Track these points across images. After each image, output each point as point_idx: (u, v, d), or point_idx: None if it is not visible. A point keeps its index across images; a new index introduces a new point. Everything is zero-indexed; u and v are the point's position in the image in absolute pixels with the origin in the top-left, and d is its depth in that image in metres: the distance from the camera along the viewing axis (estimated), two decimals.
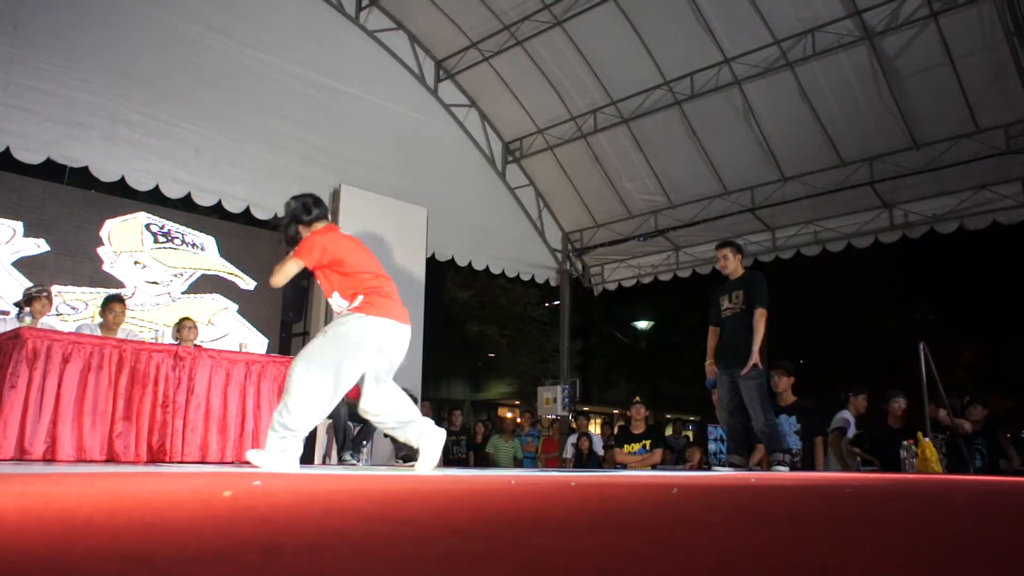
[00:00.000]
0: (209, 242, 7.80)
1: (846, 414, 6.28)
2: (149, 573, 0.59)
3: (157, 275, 7.40)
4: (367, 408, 3.47)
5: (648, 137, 8.88)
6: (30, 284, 6.06)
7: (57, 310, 6.44)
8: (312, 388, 3.30)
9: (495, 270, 9.87)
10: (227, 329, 7.70)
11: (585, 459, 8.30)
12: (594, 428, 12.52)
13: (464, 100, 9.53)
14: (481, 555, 0.74)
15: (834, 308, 19.21)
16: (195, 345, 5.77)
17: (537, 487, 2.05)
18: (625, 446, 7.14)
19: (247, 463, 3.42)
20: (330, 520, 1.07)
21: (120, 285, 7.05)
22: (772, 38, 7.38)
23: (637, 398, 7.56)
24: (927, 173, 7.44)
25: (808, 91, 7.60)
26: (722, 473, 4.72)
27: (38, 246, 6.72)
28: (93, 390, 4.13)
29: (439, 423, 3.70)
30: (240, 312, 7.85)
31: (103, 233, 7.14)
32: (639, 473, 5.14)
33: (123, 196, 7.40)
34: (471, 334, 19.98)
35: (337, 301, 3.49)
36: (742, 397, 5.10)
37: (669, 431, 9.53)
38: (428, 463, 3.47)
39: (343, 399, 3.56)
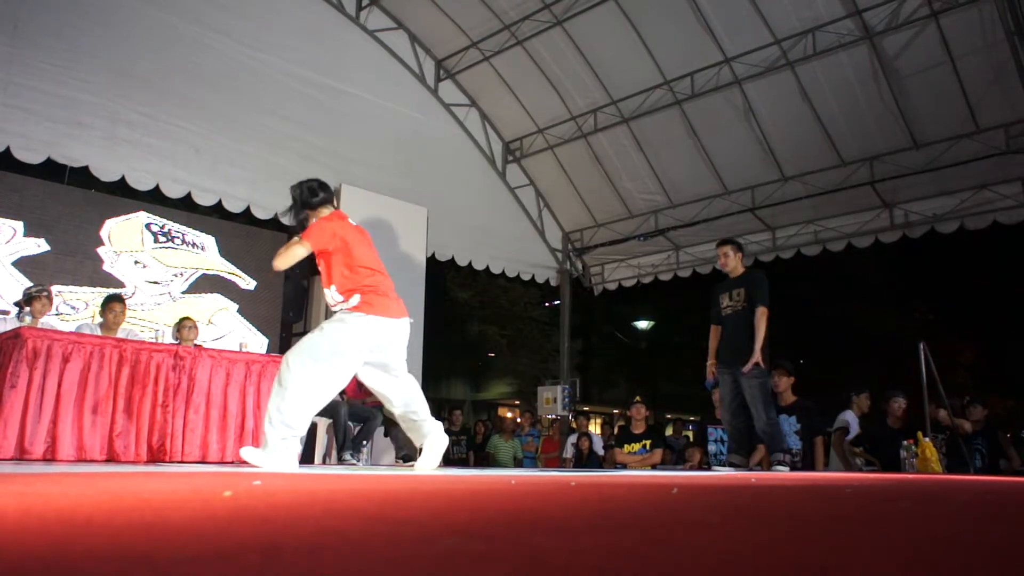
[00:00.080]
0: (209, 242, 7.80)
1: (849, 414, 6.28)
2: (149, 573, 0.59)
3: (157, 275, 7.40)
4: (378, 390, 3.53)
5: (648, 137, 8.88)
6: (30, 284, 6.06)
7: (57, 310, 6.45)
8: (307, 384, 3.30)
9: (495, 270, 9.87)
10: (227, 329, 7.70)
11: (585, 459, 8.30)
12: (594, 428, 12.52)
13: (464, 100, 9.53)
14: (481, 555, 0.74)
15: (834, 308, 19.21)
16: (195, 345, 5.77)
17: (537, 487, 2.05)
18: (625, 446, 7.14)
19: (245, 462, 3.41)
20: (330, 520, 1.07)
21: (120, 285, 7.05)
22: (772, 38, 7.38)
23: (637, 398, 7.56)
24: (927, 173, 7.44)
25: (808, 91, 7.60)
26: (722, 473, 4.72)
27: (38, 246, 6.72)
28: (93, 390, 4.13)
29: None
30: (240, 312, 7.85)
31: (103, 233, 7.14)
32: (639, 473, 5.14)
33: (123, 196, 7.40)
34: (471, 334, 19.98)
35: (333, 295, 3.49)
36: (744, 396, 5.09)
37: (669, 431, 9.53)
38: (428, 464, 3.47)
39: (343, 399, 3.57)
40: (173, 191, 7.08)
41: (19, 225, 6.65)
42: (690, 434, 10.34)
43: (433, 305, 8.68)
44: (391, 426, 5.85)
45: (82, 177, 6.81)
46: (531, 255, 10.18)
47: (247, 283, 7.96)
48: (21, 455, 3.83)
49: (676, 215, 9.25)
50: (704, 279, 9.43)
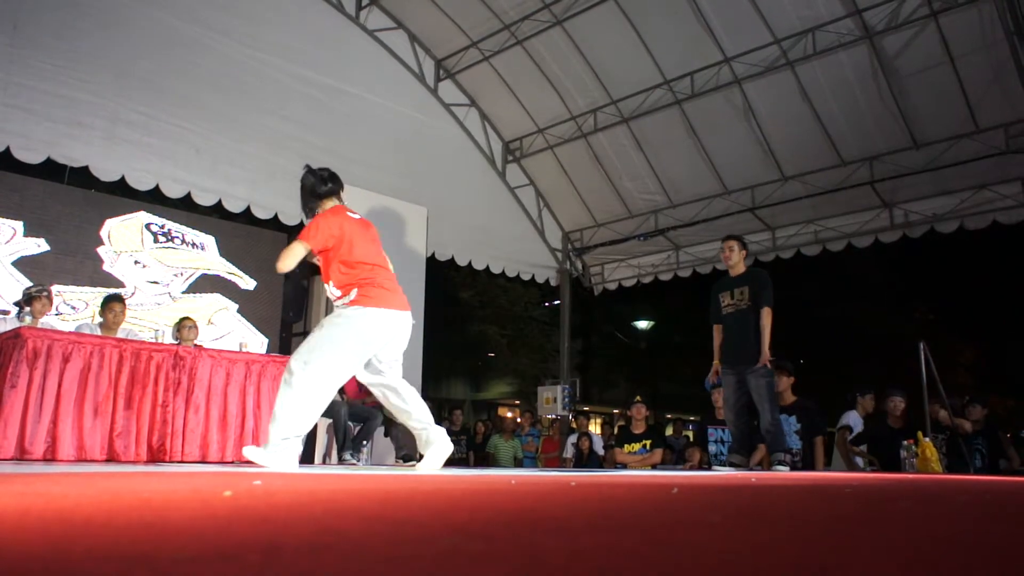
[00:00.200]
0: (209, 242, 7.81)
1: (853, 415, 6.28)
2: (149, 573, 0.59)
3: (157, 275, 7.40)
4: (369, 383, 3.52)
5: (648, 136, 8.88)
6: (30, 284, 6.06)
7: (57, 310, 6.45)
8: (310, 382, 3.31)
9: (495, 270, 9.87)
10: (227, 329, 7.70)
11: (585, 459, 8.29)
12: (594, 428, 12.52)
13: (464, 100, 9.53)
14: (481, 555, 0.74)
15: (834, 308, 19.22)
16: (195, 345, 5.77)
17: (537, 487, 2.05)
18: (625, 446, 7.14)
19: (247, 462, 3.41)
20: (330, 520, 1.07)
21: (120, 285, 7.05)
22: (772, 37, 7.38)
23: (638, 398, 7.54)
24: (927, 173, 7.44)
25: (808, 90, 7.60)
26: (722, 473, 4.72)
27: (38, 246, 6.72)
28: (93, 390, 4.13)
29: (439, 423, 3.70)
30: (240, 312, 7.85)
31: (103, 233, 7.14)
32: (639, 473, 5.14)
33: (123, 196, 7.40)
34: (471, 334, 19.98)
35: (332, 290, 3.50)
36: (748, 396, 5.08)
37: (669, 431, 9.53)
38: (429, 468, 3.46)
39: (343, 399, 3.57)
40: (173, 191, 7.08)
41: (19, 225, 6.65)
42: (690, 434, 10.33)
43: (434, 305, 8.68)
44: (391, 426, 5.85)
45: (82, 177, 6.81)
46: (531, 255, 10.18)
47: (247, 283, 7.96)
48: (21, 455, 3.83)
49: (676, 215, 9.25)
50: (704, 279, 9.42)
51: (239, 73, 7.49)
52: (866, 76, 7.28)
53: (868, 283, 19.58)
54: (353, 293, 3.41)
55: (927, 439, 5.35)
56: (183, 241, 7.63)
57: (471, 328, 19.93)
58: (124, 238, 7.26)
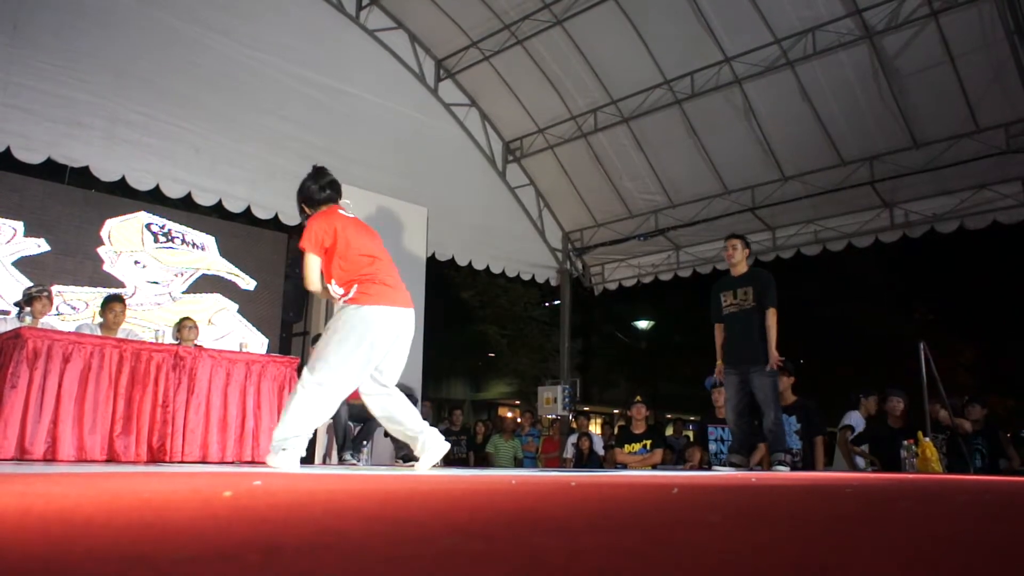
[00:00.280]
0: (209, 242, 7.81)
1: (855, 415, 6.28)
2: (149, 573, 0.59)
3: (157, 275, 7.40)
4: (364, 391, 3.52)
5: (648, 136, 8.88)
6: (30, 284, 6.06)
7: (57, 310, 6.45)
8: (318, 392, 3.36)
9: (495, 270, 9.87)
10: (227, 329, 7.70)
11: (585, 459, 8.29)
12: (594, 428, 12.51)
13: (464, 99, 9.53)
14: (481, 555, 0.74)
15: (834, 308, 19.21)
16: (195, 345, 5.77)
17: (537, 487, 2.05)
18: (625, 446, 7.13)
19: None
20: (330, 520, 1.07)
21: (120, 285, 7.05)
22: (772, 37, 7.38)
23: (638, 397, 7.53)
24: (927, 172, 7.44)
25: (808, 90, 7.60)
26: (722, 473, 4.72)
27: (39, 246, 6.72)
28: (93, 390, 4.13)
29: (439, 423, 3.70)
30: (240, 312, 7.85)
31: (103, 233, 7.14)
32: (639, 473, 5.14)
33: (123, 196, 7.40)
34: (471, 334, 19.98)
35: (334, 289, 3.50)
36: (750, 397, 5.08)
37: (669, 431, 9.53)
38: (427, 467, 3.47)
39: (343, 400, 3.57)
40: (173, 191, 7.08)
41: (19, 225, 6.65)
42: (690, 434, 10.33)
43: (434, 305, 8.67)
44: None
45: (82, 177, 6.81)
46: (531, 255, 10.18)
47: (247, 283, 7.96)
48: (21, 455, 3.83)
49: (676, 215, 9.25)
50: (704, 279, 9.42)
51: (238, 73, 7.49)
52: (866, 76, 7.28)
53: (868, 283, 19.59)
54: (353, 290, 3.41)
55: (927, 439, 5.35)
56: (183, 241, 7.63)
57: (471, 328, 19.92)
58: (124, 238, 7.26)
